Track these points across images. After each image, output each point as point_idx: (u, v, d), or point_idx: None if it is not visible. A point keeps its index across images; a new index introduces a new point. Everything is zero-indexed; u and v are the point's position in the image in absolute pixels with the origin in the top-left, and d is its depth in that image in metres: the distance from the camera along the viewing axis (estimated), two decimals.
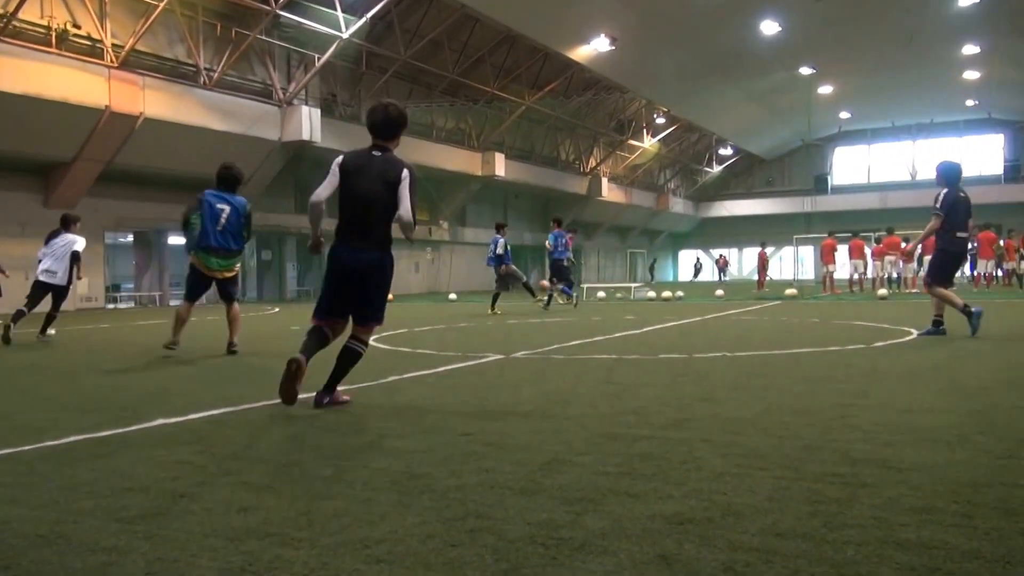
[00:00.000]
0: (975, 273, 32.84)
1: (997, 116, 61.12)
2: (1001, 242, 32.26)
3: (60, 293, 13.50)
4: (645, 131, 56.37)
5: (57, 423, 5.59)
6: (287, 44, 31.97)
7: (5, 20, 22.34)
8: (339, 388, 6.11)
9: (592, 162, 55.34)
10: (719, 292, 29.98)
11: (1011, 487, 3.52)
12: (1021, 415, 5.21)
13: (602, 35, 37.75)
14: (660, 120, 56.07)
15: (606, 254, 63.78)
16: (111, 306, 29.55)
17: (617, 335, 12.37)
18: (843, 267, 32.46)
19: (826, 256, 30.70)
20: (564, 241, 21.30)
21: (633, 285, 34.74)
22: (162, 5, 25.27)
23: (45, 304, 13.44)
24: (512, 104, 42.42)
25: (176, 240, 32.22)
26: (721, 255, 65.80)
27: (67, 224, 13.53)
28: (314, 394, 5.98)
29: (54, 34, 24.38)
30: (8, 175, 25.46)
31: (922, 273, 11.34)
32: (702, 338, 11.84)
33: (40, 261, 13.52)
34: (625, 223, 63.19)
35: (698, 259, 72.12)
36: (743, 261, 70.62)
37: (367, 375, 7.27)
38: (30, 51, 23.07)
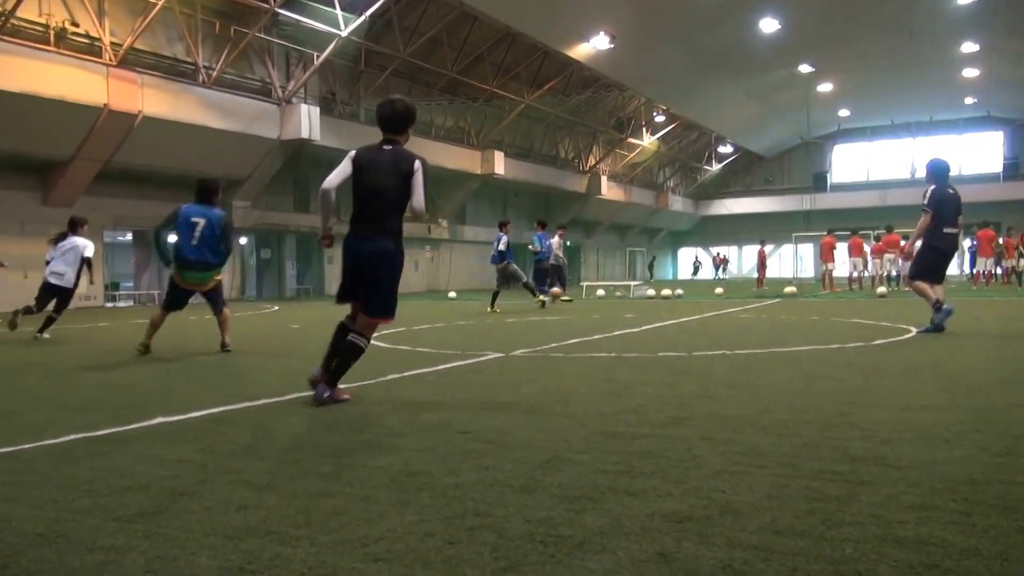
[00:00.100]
0: (974, 271, 32.83)
1: (996, 114, 61.14)
2: (1000, 240, 32.26)
3: (65, 295, 13.57)
4: (644, 129, 56.36)
5: (56, 422, 5.59)
6: (286, 42, 31.94)
7: (3, 18, 22.31)
8: (340, 386, 6.13)
9: (591, 160, 55.32)
10: (719, 290, 29.97)
11: (1009, 484, 3.52)
12: (1019, 412, 5.21)
13: (601, 33, 37.73)
14: (659, 118, 56.06)
15: (605, 252, 63.78)
16: (110, 305, 29.54)
17: (616, 333, 12.36)
18: (842, 265, 32.46)
19: (825, 254, 30.69)
20: (548, 243, 21.41)
21: (632, 283, 34.75)
22: (161, 3, 25.26)
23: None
24: (511, 102, 42.41)
25: (175, 239, 32.15)
26: (718, 253, 65.79)
27: (75, 227, 13.65)
28: (313, 393, 6.01)
29: (52, 32, 24.36)
30: (6, 174, 25.44)
31: None
32: (701, 336, 11.84)
33: (48, 263, 13.64)
34: (624, 221, 63.19)
35: (697, 257, 72.17)
36: (743, 259, 70.61)
37: (366, 374, 7.28)
38: (28, 49, 23.05)
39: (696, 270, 70.29)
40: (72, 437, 4.97)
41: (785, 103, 55.07)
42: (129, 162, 26.62)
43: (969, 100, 57.39)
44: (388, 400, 6.27)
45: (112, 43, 25.45)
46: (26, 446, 4.75)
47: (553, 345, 10.51)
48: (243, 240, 34.37)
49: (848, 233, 32.56)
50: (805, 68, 46.92)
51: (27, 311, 13.50)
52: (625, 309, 19.60)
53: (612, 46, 38.57)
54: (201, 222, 10.07)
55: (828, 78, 50.67)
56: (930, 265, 11.02)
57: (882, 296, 23.58)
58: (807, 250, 57.12)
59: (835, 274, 30.77)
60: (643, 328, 13.35)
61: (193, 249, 10.06)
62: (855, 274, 31.15)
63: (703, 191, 72.30)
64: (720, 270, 63.87)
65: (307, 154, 33.71)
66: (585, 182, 53.95)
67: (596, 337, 11.67)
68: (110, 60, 25.08)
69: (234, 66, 29.81)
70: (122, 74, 25.21)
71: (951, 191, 11.00)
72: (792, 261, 55.52)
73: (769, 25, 39.47)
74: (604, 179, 55.07)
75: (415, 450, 4.44)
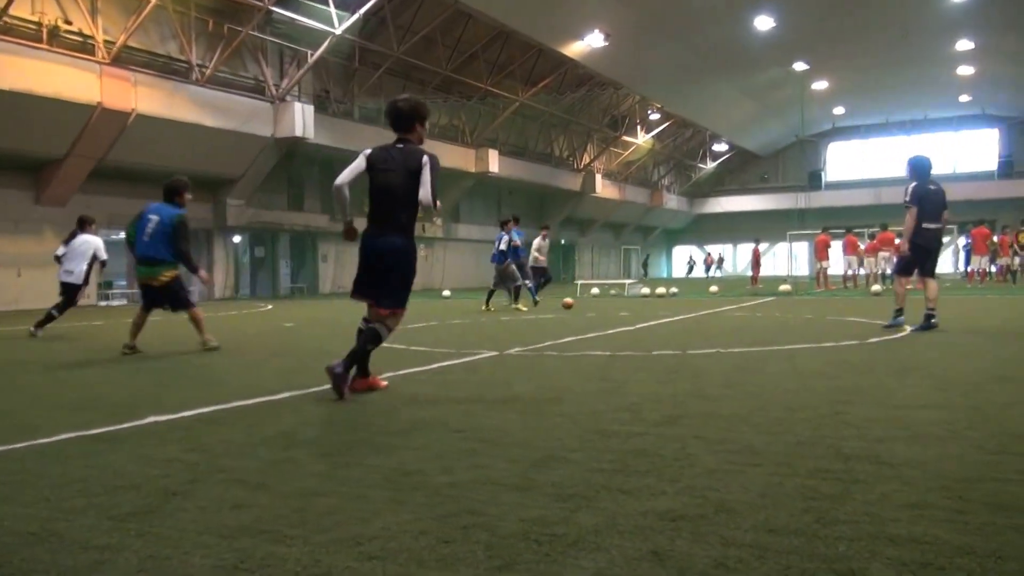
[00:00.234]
0: (969, 269, 32.90)
1: (991, 112, 61.29)
2: (995, 238, 32.34)
3: (73, 292, 13.80)
4: (639, 127, 56.35)
5: (49, 420, 5.59)
6: (280, 40, 31.89)
7: None
8: (378, 374, 6.47)
9: (586, 158, 55.30)
10: (713, 288, 29.99)
11: (1003, 482, 3.53)
12: (1013, 411, 5.22)
13: (596, 31, 37.77)
14: (654, 116, 56.07)
15: (600, 250, 63.83)
16: (104, 303, 29.47)
17: (611, 331, 12.37)
18: (837, 263, 32.49)
19: (820, 252, 30.74)
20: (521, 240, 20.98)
21: (627, 282, 34.74)
22: (153, 1, 25.18)
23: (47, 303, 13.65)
24: (505, 100, 42.39)
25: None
26: (709, 254, 65.84)
27: (83, 225, 13.94)
28: (304, 391, 6.00)
29: (45, 30, 24.30)
30: None
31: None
32: (696, 335, 11.85)
33: (58, 260, 13.96)
34: (619, 219, 63.22)
35: (691, 256, 72.20)
36: (737, 257, 70.65)
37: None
38: (21, 47, 22.97)
39: (691, 268, 70.35)
40: (65, 436, 4.96)
41: (780, 101, 55.13)
42: (122, 160, 26.55)
43: (964, 98, 57.53)
44: (382, 399, 6.26)
45: (105, 41, 25.41)
46: (19, 445, 4.74)
47: (548, 343, 10.51)
48: (237, 239, 34.33)
49: (843, 231, 32.61)
50: (800, 66, 46.95)
51: (50, 318, 13.76)
52: (620, 307, 19.60)
53: (607, 44, 38.62)
54: (155, 219, 10.15)
55: (823, 76, 50.74)
56: (909, 261, 11.19)
57: (876, 294, 23.61)
58: (802, 248, 57.07)
59: (830, 272, 30.82)
60: (637, 326, 13.36)
61: (143, 244, 10.15)
62: (850, 272, 31.19)
63: (698, 189, 72.36)
64: (715, 267, 63.89)
65: (301, 152, 33.66)
66: (579, 180, 53.93)
67: (590, 335, 11.67)
68: (103, 58, 25.03)
69: (228, 64, 29.77)
70: (115, 72, 25.15)
71: (932, 187, 11.12)
72: (787, 259, 55.55)
73: (764, 23, 39.52)
74: (599, 177, 55.07)
75: (409, 449, 4.44)
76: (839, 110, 61.85)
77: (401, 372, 7.64)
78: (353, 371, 6.35)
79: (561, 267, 58.07)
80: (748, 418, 5.08)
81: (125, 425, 5.30)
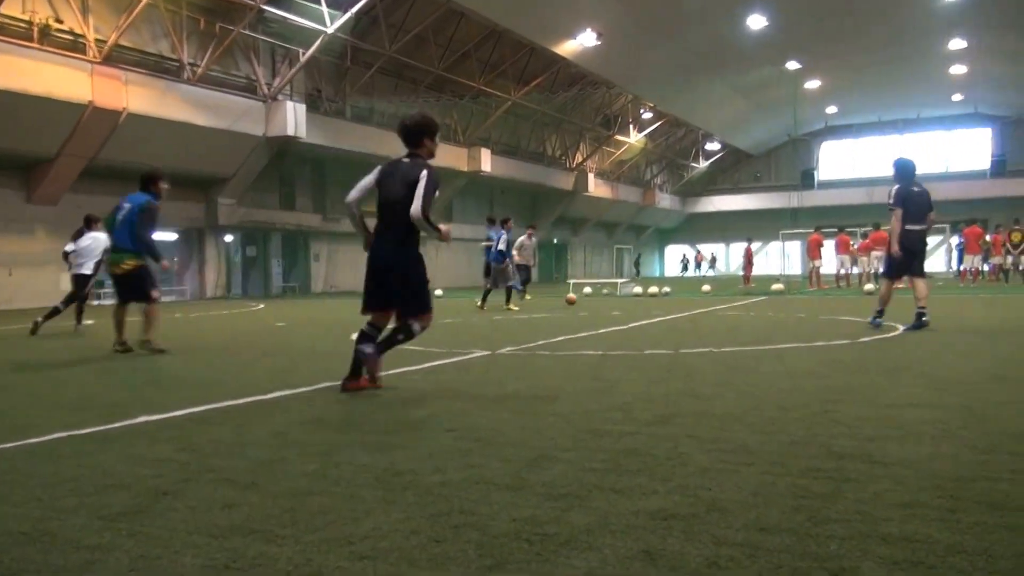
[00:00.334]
0: (961, 268, 32.97)
1: (984, 111, 61.39)
2: (988, 237, 32.41)
3: (82, 282, 14.30)
4: (631, 126, 56.39)
5: (40, 420, 5.57)
6: (272, 39, 31.83)
7: None
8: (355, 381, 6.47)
9: (578, 157, 55.31)
10: (706, 287, 30.00)
11: (994, 481, 3.53)
12: (1005, 409, 5.23)
13: (588, 30, 37.75)
14: (646, 115, 56.14)
15: (592, 249, 63.83)
16: (95, 303, 29.31)
17: (603, 331, 12.37)
18: (829, 262, 32.52)
19: (812, 251, 30.77)
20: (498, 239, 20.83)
21: (619, 281, 34.72)
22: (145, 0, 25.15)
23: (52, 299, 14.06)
24: (498, 99, 42.36)
25: (160, 236, 31.99)
26: (699, 252, 65.84)
27: (89, 223, 14.34)
28: (295, 391, 6.00)
29: (36, 29, 24.21)
30: None
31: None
32: (688, 334, 11.85)
33: (66, 257, 14.76)
34: (612, 219, 63.24)
35: (684, 255, 72.23)
36: (730, 256, 70.72)
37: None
38: (12, 46, 22.90)
39: (685, 267, 70.41)
40: (56, 436, 4.94)
41: (772, 100, 55.15)
42: (114, 159, 26.46)
43: (957, 97, 57.60)
44: (374, 398, 6.25)
45: (96, 40, 25.33)
46: (10, 444, 4.73)
47: (540, 343, 10.51)
48: (228, 238, 34.27)
49: (835, 230, 32.65)
50: (792, 65, 46.94)
51: (79, 314, 14.60)
52: (612, 307, 19.61)
53: (599, 43, 38.62)
54: (127, 207, 10.11)
55: (815, 75, 50.75)
56: (895, 263, 11.29)
57: (869, 293, 23.62)
58: (794, 247, 57.17)
59: (822, 271, 30.85)
60: (630, 326, 13.36)
61: (115, 232, 10.15)
62: (842, 271, 31.23)
63: (690, 188, 72.40)
64: (708, 266, 63.92)
65: (293, 151, 33.62)
66: (572, 179, 53.93)
67: (583, 335, 11.68)
68: (94, 57, 24.96)
69: (219, 63, 29.69)
70: (106, 71, 25.10)
71: (916, 189, 11.24)
72: (779, 258, 55.62)
73: (756, 22, 39.51)
74: (591, 176, 55.07)
75: (401, 448, 4.44)
76: (832, 109, 61.92)
77: (393, 371, 7.62)
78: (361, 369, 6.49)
79: (553, 266, 58.10)
80: (741, 417, 5.09)
81: (116, 425, 5.29)
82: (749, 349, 9.28)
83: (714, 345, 9.72)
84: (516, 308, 18.74)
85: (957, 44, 44.19)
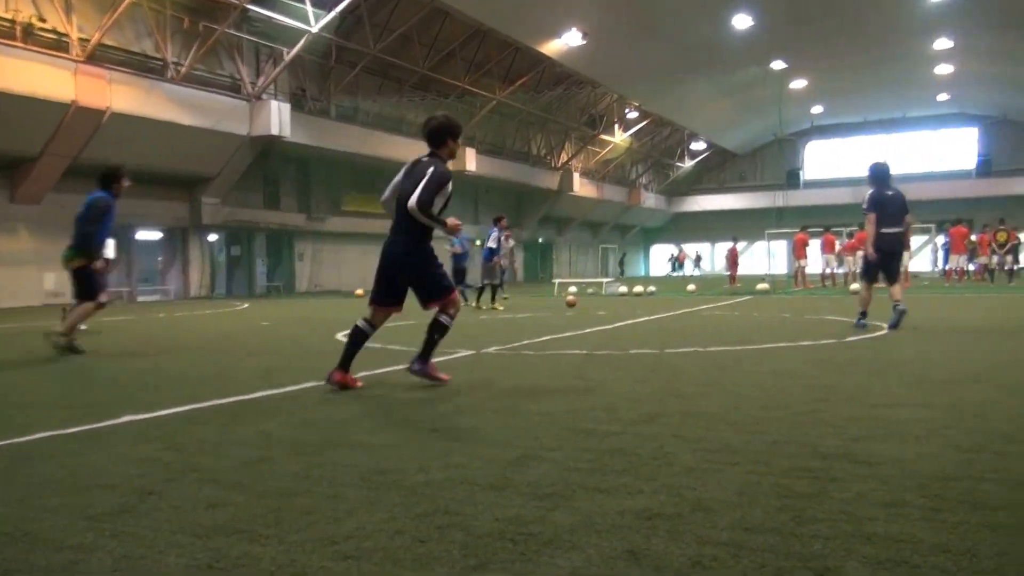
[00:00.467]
0: (947, 268, 33.13)
1: (969, 111, 61.67)
2: (973, 237, 32.57)
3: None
4: (617, 126, 56.42)
5: (23, 419, 5.54)
6: (256, 38, 31.75)
7: None
8: (354, 373, 6.59)
9: (563, 157, 55.30)
10: (691, 287, 30.06)
11: (978, 480, 3.55)
12: (989, 409, 5.25)
13: (573, 29, 37.76)
14: (632, 115, 56.19)
15: (577, 249, 63.89)
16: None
17: (588, 330, 12.38)
18: (815, 262, 32.64)
19: (798, 251, 30.87)
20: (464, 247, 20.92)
21: (604, 280, 34.76)
22: None
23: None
24: (483, 99, 42.33)
25: (143, 235, 31.98)
26: (681, 250, 65.99)
27: None
28: (280, 390, 5.98)
29: (19, 28, 24.08)
30: None
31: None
32: (673, 333, 11.88)
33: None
34: (597, 218, 63.30)
35: (672, 255, 72.28)
36: (715, 256, 70.86)
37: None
38: None
39: (674, 266, 70.42)
40: (40, 435, 4.91)
41: (758, 100, 55.27)
42: (97, 159, 26.09)
43: (942, 97, 57.83)
44: (358, 398, 6.24)
45: (80, 39, 25.22)
46: None
47: (525, 342, 10.51)
48: (212, 237, 34.15)
49: (821, 230, 32.76)
50: (778, 65, 47.01)
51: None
52: (597, 306, 19.62)
53: (584, 42, 38.62)
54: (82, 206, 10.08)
55: (801, 75, 50.87)
56: (872, 266, 11.44)
57: (855, 293, 23.66)
58: (780, 247, 57.38)
59: (808, 271, 30.95)
60: (615, 325, 13.38)
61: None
62: (828, 271, 31.33)
63: (676, 188, 72.53)
64: (694, 264, 64.03)
65: (277, 151, 33.54)
66: (557, 179, 53.92)
67: (568, 334, 11.68)
68: (78, 56, 24.84)
69: (203, 62, 29.60)
70: (90, 70, 24.97)
71: (890, 192, 11.39)
72: (765, 258, 55.80)
73: (742, 21, 39.55)
74: (576, 176, 55.09)
75: (385, 447, 4.43)
76: (817, 109, 62.09)
77: (378, 371, 7.61)
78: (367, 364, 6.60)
79: (539, 266, 58.11)
80: (725, 417, 5.09)
81: (101, 424, 5.26)
82: (734, 349, 9.30)
83: (699, 345, 9.75)
84: (501, 308, 18.77)
85: (942, 44, 44.31)
